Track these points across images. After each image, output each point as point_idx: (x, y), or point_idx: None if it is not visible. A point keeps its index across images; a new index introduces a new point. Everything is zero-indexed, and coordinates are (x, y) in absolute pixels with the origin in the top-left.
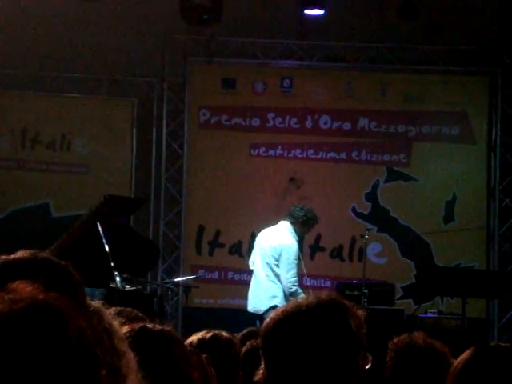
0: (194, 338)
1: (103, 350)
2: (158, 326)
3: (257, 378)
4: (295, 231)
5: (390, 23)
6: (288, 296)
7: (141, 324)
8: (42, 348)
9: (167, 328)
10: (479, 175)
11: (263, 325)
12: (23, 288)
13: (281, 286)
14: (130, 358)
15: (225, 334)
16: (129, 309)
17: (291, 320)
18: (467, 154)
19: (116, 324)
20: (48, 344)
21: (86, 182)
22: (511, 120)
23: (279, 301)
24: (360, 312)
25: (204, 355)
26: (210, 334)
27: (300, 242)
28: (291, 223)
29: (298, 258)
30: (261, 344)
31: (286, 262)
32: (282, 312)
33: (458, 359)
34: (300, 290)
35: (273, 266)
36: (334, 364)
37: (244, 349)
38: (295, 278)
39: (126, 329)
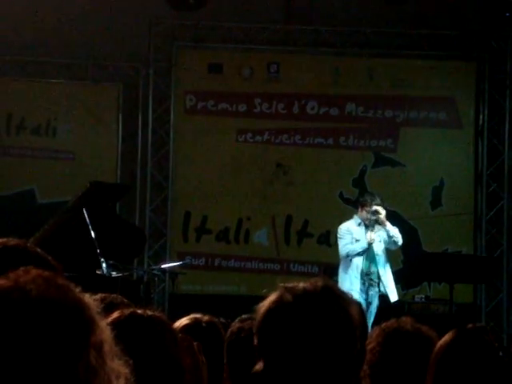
0: (177, 324)
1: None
2: (148, 312)
3: (255, 368)
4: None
5: (377, 8)
6: None
7: (130, 310)
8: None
9: (157, 314)
10: (467, 160)
11: (258, 314)
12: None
13: None
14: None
15: (206, 317)
16: (114, 295)
17: (288, 308)
18: (455, 140)
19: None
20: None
21: (71, 167)
22: (498, 105)
23: None
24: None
25: (195, 342)
26: (191, 320)
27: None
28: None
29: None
30: (256, 333)
31: None
32: (277, 300)
33: (439, 342)
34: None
35: None
36: (333, 354)
37: (229, 332)
38: None
39: (115, 314)
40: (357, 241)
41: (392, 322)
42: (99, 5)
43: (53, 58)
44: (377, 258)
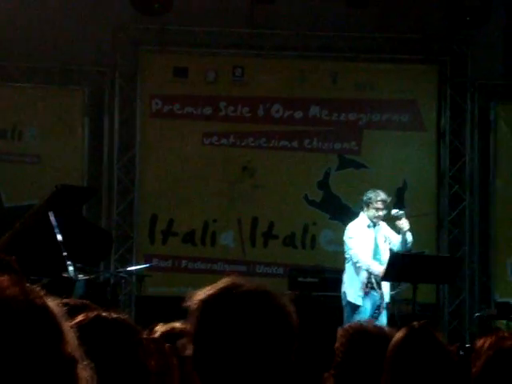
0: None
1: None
2: (113, 315)
3: (187, 353)
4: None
5: (340, 12)
6: None
7: (95, 312)
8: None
9: (122, 316)
10: (429, 162)
11: (195, 303)
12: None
13: None
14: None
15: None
16: (79, 298)
17: (222, 302)
18: (417, 142)
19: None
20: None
21: (37, 171)
22: (460, 108)
23: None
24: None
25: (167, 344)
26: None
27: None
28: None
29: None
30: (191, 324)
31: None
32: (213, 293)
33: (392, 340)
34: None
35: None
36: (266, 352)
37: None
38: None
39: (80, 317)
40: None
41: (355, 323)
42: (65, 9)
43: (19, 62)
44: (381, 259)
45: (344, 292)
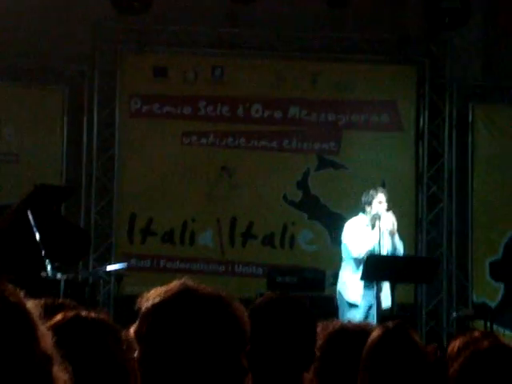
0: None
1: None
2: (92, 314)
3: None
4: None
5: (319, 13)
6: None
7: (74, 312)
8: None
9: (102, 316)
10: (408, 163)
11: (146, 306)
12: None
13: None
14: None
15: None
16: (58, 297)
17: (173, 308)
18: (396, 142)
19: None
20: None
21: (15, 171)
22: (438, 109)
23: None
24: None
25: None
26: None
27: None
28: None
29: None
30: (139, 325)
31: None
32: (165, 298)
33: (370, 337)
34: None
35: None
36: (213, 356)
37: None
38: None
39: (58, 317)
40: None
41: (335, 322)
42: (44, 8)
43: None
44: None
45: (339, 291)
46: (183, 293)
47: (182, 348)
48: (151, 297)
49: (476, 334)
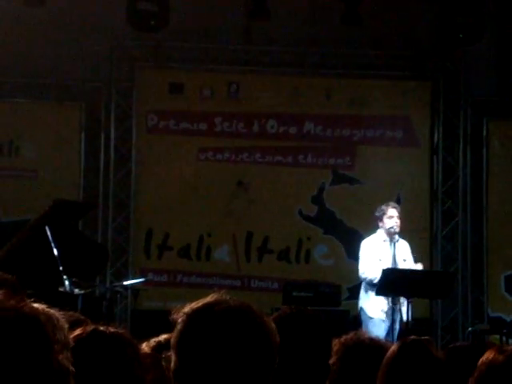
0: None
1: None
2: (110, 329)
3: (171, 366)
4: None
5: (334, 29)
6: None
7: (93, 327)
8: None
9: (120, 330)
10: (422, 178)
11: (180, 318)
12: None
13: None
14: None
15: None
16: (70, 312)
17: (205, 317)
18: (410, 158)
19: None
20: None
21: (34, 187)
22: (453, 124)
23: None
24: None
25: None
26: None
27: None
28: None
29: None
30: (174, 337)
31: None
32: (198, 307)
33: (388, 352)
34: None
35: None
36: (245, 368)
37: None
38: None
39: (77, 332)
40: (380, 260)
41: (351, 335)
42: (62, 25)
43: (16, 78)
44: None
45: (361, 307)
46: (214, 304)
47: (217, 359)
48: (186, 309)
49: (493, 348)
